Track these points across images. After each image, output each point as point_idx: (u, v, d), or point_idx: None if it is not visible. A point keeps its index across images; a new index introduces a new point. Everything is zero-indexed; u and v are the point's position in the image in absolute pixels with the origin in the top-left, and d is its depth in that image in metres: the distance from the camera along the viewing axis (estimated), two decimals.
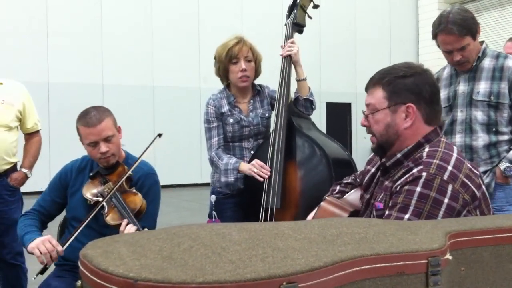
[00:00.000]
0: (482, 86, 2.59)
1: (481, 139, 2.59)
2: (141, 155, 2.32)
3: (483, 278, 1.30)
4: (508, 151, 2.59)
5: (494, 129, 2.58)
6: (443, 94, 2.72)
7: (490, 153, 2.60)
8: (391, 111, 1.66)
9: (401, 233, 1.24)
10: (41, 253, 2.11)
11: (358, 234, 1.20)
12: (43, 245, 2.13)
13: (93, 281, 0.96)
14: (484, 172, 2.60)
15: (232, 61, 2.77)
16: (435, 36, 2.60)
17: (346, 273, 1.05)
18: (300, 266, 0.97)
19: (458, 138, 2.65)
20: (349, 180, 2.10)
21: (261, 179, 2.56)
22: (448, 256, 1.21)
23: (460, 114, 2.65)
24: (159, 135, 2.32)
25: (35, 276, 2.14)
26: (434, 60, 13.74)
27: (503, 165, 2.57)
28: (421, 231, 1.26)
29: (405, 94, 1.64)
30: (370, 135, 1.75)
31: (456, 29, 2.48)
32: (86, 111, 2.33)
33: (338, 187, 2.09)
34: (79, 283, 1.04)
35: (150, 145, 2.28)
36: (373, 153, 1.86)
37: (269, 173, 2.56)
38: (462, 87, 2.65)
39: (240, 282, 0.89)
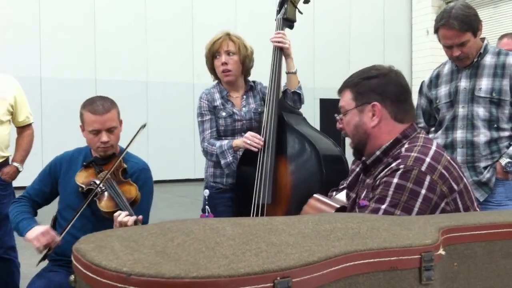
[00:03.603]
0: (484, 83, 2.61)
1: (483, 135, 2.61)
2: (128, 146, 2.33)
3: (476, 273, 1.30)
4: (508, 147, 2.61)
5: (495, 125, 2.61)
6: (444, 90, 2.74)
7: (491, 148, 2.62)
8: (359, 111, 1.72)
9: (394, 228, 1.24)
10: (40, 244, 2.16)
11: (352, 229, 1.20)
12: (43, 237, 2.17)
13: (86, 275, 0.96)
14: (485, 168, 2.63)
15: (215, 56, 2.80)
16: (436, 30, 2.62)
17: (339, 268, 1.05)
18: (294, 261, 0.97)
19: (460, 134, 2.66)
20: (345, 185, 2.10)
21: (256, 150, 2.57)
22: (441, 251, 1.21)
23: (461, 110, 2.66)
24: (143, 126, 2.32)
25: (37, 264, 2.20)
26: (427, 57, 13.79)
27: (503, 161, 2.59)
28: (414, 227, 1.26)
29: (370, 94, 1.71)
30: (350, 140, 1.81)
31: (457, 24, 2.50)
32: (93, 99, 2.35)
33: (334, 193, 2.11)
34: (72, 277, 1.04)
35: (135, 136, 2.28)
36: (362, 158, 1.88)
37: (262, 143, 2.57)
38: (463, 83, 2.66)
39: (234, 277, 0.89)
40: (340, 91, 1.80)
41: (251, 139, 2.59)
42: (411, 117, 1.75)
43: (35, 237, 2.17)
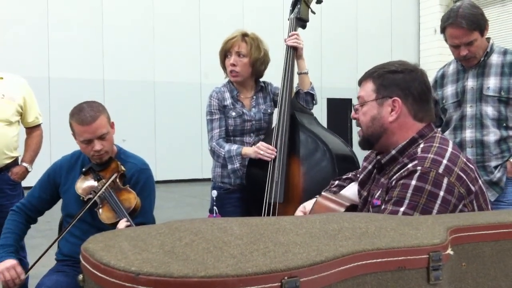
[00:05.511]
0: (492, 82, 2.60)
1: (493, 134, 2.60)
2: (104, 186, 2.29)
3: (484, 273, 1.30)
4: None
5: (504, 124, 2.60)
6: (450, 89, 2.74)
7: (501, 148, 2.61)
8: (378, 104, 1.69)
9: (402, 228, 1.24)
10: (5, 279, 2.18)
11: (360, 229, 1.20)
12: (7, 272, 2.19)
13: (94, 275, 0.96)
14: (495, 167, 2.62)
15: (226, 55, 2.80)
16: (443, 30, 2.61)
17: (347, 268, 1.05)
18: (302, 260, 0.97)
19: (469, 133, 2.65)
20: (349, 176, 2.10)
21: (269, 159, 2.57)
22: (449, 251, 1.21)
23: (469, 110, 2.65)
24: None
25: None
26: (435, 56, 13.75)
27: None
28: (422, 226, 1.26)
29: (392, 88, 1.68)
30: (359, 129, 1.78)
31: (465, 23, 2.50)
32: (80, 107, 2.29)
33: (336, 182, 2.10)
34: (80, 277, 1.04)
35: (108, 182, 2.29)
36: (370, 150, 1.87)
37: (275, 154, 2.57)
38: (470, 83, 2.65)
39: (242, 276, 0.89)
40: (361, 81, 1.77)
41: (264, 150, 2.59)
42: (430, 116, 1.73)
43: (1, 271, 2.19)
